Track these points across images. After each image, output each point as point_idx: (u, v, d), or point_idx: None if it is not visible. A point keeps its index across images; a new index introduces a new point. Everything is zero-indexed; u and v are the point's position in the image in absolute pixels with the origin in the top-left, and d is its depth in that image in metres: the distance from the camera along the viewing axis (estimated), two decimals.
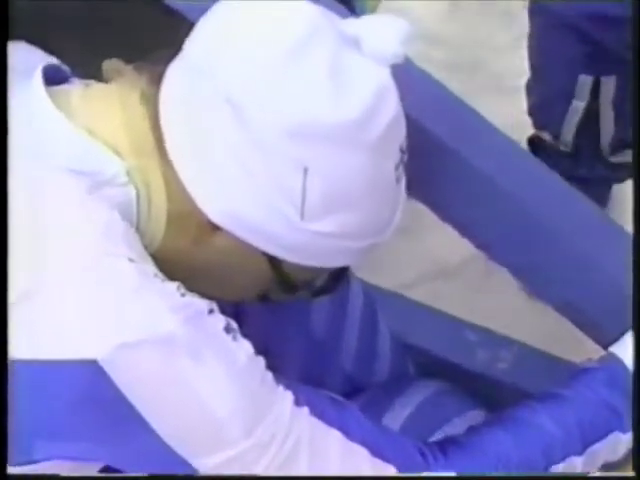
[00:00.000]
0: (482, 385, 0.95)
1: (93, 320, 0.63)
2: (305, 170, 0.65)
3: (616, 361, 0.76)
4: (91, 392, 0.62)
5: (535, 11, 1.24)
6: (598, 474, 0.81)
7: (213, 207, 0.67)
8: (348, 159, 0.66)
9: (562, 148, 1.28)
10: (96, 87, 0.72)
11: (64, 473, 0.68)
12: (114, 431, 0.64)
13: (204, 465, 0.65)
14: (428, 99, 0.73)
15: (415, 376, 0.95)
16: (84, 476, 0.69)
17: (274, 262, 0.71)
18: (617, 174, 1.30)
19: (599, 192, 1.29)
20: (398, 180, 0.71)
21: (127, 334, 0.62)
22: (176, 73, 0.69)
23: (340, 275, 0.78)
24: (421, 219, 1.16)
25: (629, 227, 0.78)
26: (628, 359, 0.76)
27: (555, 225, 0.78)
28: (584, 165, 1.27)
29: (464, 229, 0.80)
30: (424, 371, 0.95)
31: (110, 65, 0.72)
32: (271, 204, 0.67)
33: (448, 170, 0.77)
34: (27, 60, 0.75)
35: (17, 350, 0.63)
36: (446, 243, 1.28)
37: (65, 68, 0.74)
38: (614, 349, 0.77)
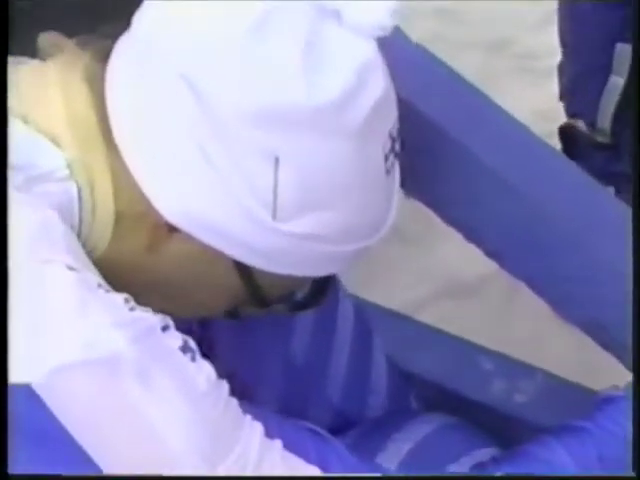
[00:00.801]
0: (497, 421, 0.97)
1: (26, 339, 0.64)
2: (276, 160, 0.67)
3: None
4: (26, 420, 0.64)
5: None
6: (598, 474, 0.82)
7: (168, 204, 0.69)
8: (326, 147, 0.68)
9: (599, 139, 1.29)
10: (28, 67, 0.74)
11: None
12: (53, 465, 0.66)
13: None
14: (426, 80, 0.76)
15: (418, 411, 0.97)
16: (84, 476, 0.70)
17: (243, 270, 0.72)
18: None
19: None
20: (389, 172, 0.72)
21: (65, 354, 0.63)
22: (125, 49, 0.70)
23: (324, 287, 0.80)
24: (432, 226, 1.18)
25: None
26: None
27: (576, 228, 0.80)
28: (624, 158, 1.27)
29: (470, 233, 0.83)
30: (429, 405, 0.97)
31: (48, 39, 0.73)
32: (237, 201, 0.68)
33: (450, 164, 0.80)
34: None
35: None
36: (462, 256, 1.32)
37: None
38: None
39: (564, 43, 1.32)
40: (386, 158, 0.71)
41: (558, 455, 0.77)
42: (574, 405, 0.94)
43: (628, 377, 0.83)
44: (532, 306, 1.21)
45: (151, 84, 0.68)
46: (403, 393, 0.98)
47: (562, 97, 1.34)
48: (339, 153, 0.68)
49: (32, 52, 0.77)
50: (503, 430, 0.93)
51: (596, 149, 1.29)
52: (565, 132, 1.35)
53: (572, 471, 0.77)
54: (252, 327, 0.87)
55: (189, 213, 0.69)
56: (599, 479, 0.81)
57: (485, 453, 0.88)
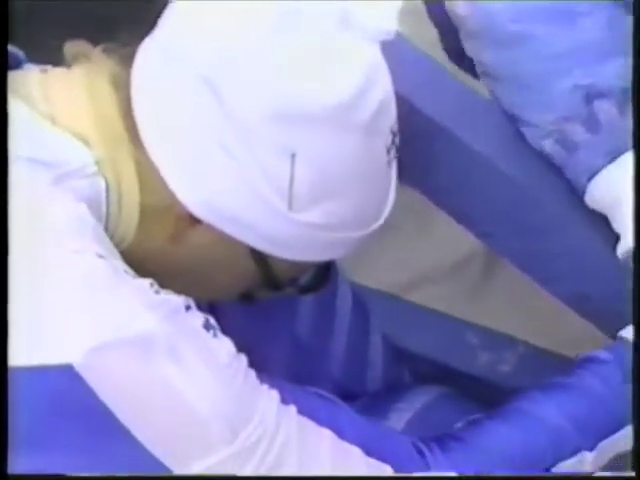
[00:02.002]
0: (484, 389, 0.98)
1: (65, 322, 0.64)
2: (292, 156, 0.67)
3: (628, 345, 0.78)
4: (67, 399, 0.64)
5: None
6: (598, 474, 0.82)
7: (192, 197, 0.69)
8: (338, 143, 0.69)
9: None
10: (56, 72, 0.74)
11: None
12: (92, 440, 0.66)
13: (187, 473, 0.67)
14: (420, 77, 0.76)
15: (412, 383, 0.98)
16: (84, 476, 0.70)
17: (259, 257, 0.73)
18: None
19: None
20: (389, 164, 0.73)
21: (102, 335, 0.63)
22: (148, 53, 0.70)
23: (326, 271, 0.81)
24: (409, 218, 1.18)
25: None
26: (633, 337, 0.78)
27: (560, 209, 0.80)
28: None
29: (462, 217, 0.84)
30: (421, 377, 0.98)
31: (74, 47, 0.73)
32: (256, 193, 0.68)
33: (443, 154, 0.80)
34: None
35: None
36: (439, 245, 1.33)
37: (18, 52, 0.75)
38: (625, 333, 0.79)
39: None
40: (388, 151, 0.72)
41: (547, 409, 0.77)
42: (555, 372, 0.95)
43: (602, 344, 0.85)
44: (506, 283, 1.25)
45: (174, 86, 0.68)
46: (398, 368, 0.99)
47: None
48: (349, 147, 0.69)
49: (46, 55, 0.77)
50: (490, 398, 0.91)
51: None
52: None
53: (561, 424, 0.76)
54: (259, 311, 0.86)
55: (211, 205, 0.69)
56: (599, 479, 0.82)
57: None
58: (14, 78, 0.71)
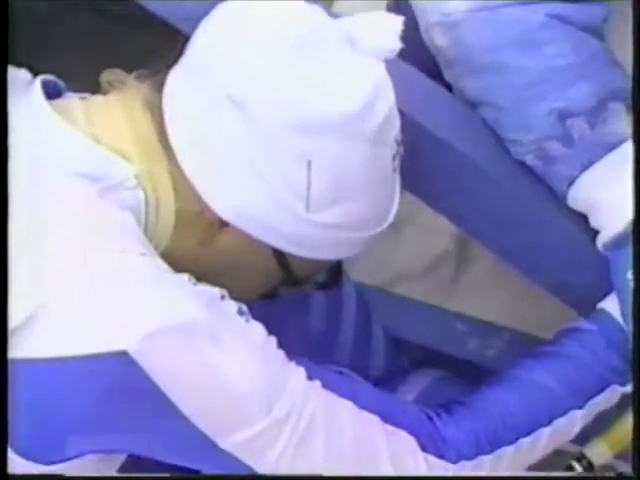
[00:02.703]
0: (474, 372, 1.00)
1: (118, 313, 0.67)
2: (309, 163, 0.71)
3: (610, 320, 0.82)
4: (123, 383, 0.67)
5: None
6: (598, 474, 0.87)
7: (222, 204, 0.73)
8: (350, 150, 0.72)
9: None
10: (94, 99, 0.78)
11: (91, 469, 0.73)
12: (145, 419, 0.69)
13: (228, 444, 0.70)
14: (419, 93, 0.80)
15: (410, 369, 1.01)
16: (85, 476, 0.73)
17: (280, 256, 0.77)
18: None
19: None
20: (395, 171, 0.77)
21: (152, 323, 0.67)
22: (177, 77, 0.74)
23: (339, 270, 0.85)
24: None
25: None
26: (615, 309, 0.82)
27: (543, 207, 0.85)
28: None
29: (456, 217, 0.88)
30: (419, 363, 1.01)
31: (111, 75, 0.78)
32: (277, 198, 0.72)
33: (440, 162, 0.84)
34: (13, 76, 0.79)
35: (45, 350, 0.67)
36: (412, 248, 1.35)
37: (58, 82, 0.79)
38: (605, 305, 0.83)
39: None
40: (393, 159, 0.77)
41: (539, 374, 0.81)
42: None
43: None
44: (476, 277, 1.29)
45: (204, 106, 0.72)
46: (397, 355, 1.02)
47: None
48: (359, 154, 0.73)
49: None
50: (480, 379, 0.93)
51: None
52: None
53: (553, 387, 0.80)
54: (276, 307, 0.89)
55: (238, 210, 0.73)
56: (599, 479, 0.85)
57: None
58: (58, 105, 0.75)
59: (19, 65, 0.82)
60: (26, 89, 0.77)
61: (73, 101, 0.77)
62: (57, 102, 0.76)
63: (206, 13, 0.76)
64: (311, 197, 0.72)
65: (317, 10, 0.74)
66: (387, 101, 0.73)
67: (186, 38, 0.76)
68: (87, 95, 0.78)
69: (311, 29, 0.72)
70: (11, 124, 0.74)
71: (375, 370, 1.00)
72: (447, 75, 0.85)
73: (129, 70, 0.78)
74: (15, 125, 0.74)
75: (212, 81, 0.72)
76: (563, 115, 0.79)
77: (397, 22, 0.73)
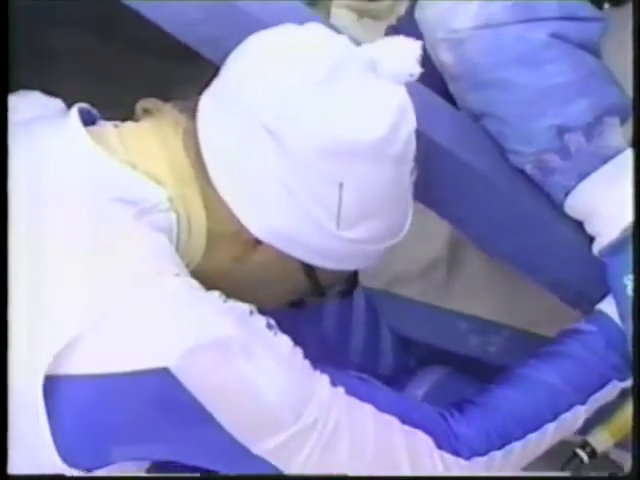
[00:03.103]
0: (477, 368, 1.03)
1: (158, 333, 0.69)
2: (340, 185, 0.74)
3: (609, 321, 0.85)
4: (164, 397, 0.69)
5: None
6: (598, 475, 0.90)
7: (258, 225, 0.75)
8: (378, 171, 0.75)
9: None
10: (127, 126, 0.79)
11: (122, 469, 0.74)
12: (184, 429, 0.71)
13: (260, 450, 0.72)
14: (424, 107, 0.80)
15: (417, 366, 1.03)
16: (85, 476, 0.73)
17: (308, 269, 0.79)
18: None
19: None
20: (411, 185, 0.80)
21: (189, 341, 0.69)
22: (210, 105, 0.76)
23: (356, 278, 0.88)
24: None
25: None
26: (615, 315, 0.85)
27: (541, 214, 0.87)
28: None
29: (460, 224, 0.90)
30: (424, 361, 1.03)
31: (147, 103, 0.79)
32: (310, 217, 0.75)
33: (445, 171, 0.86)
34: (47, 105, 0.82)
35: (93, 367, 0.69)
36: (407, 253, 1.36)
37: (93, 110, 0.81)
38: (603, 307, 0.86)
39: None
40: (411, 174, 0.79)
41: (545, 373, 0.84)
42: (535, 349, 0.98)
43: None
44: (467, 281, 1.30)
45: (238, 133, 0.74)
46: (404, 354, 1.04)
47: None
48: (385, 175, 0.76)
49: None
50: (482, 374, 0.96)
51: None
52: None
53: (557, 385, 0.82)
54: (294, 314, 0.90)
55: (274, 229, 0.75)
56: (599, 479, 0.87)
57: None
58: (93, 132, 0.77)
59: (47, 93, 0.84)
60: (59, 117, 0.79)
61: (107, 128, 0.79)
62: (92, 129, 0.78)
63: (203, 18, 0.79)
64: (341, 216, 0.75)
65: (343, 39, 0.76)
66: (409, 123, 0.76)
67: (213, 67, 0.78)
68: (119, 123, 0.80)
69: (338, 58, 0.74)
70: (42, 149, 0.76)
71: (384, 369, 1.02)
72: (452, 88, 0.87)
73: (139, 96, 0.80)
74: (47, 150, 0.76)
75: (246, 110, 0.74)
76: (561, 130, 0.82)
77: (416, 47, 0.75)
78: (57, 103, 0.82)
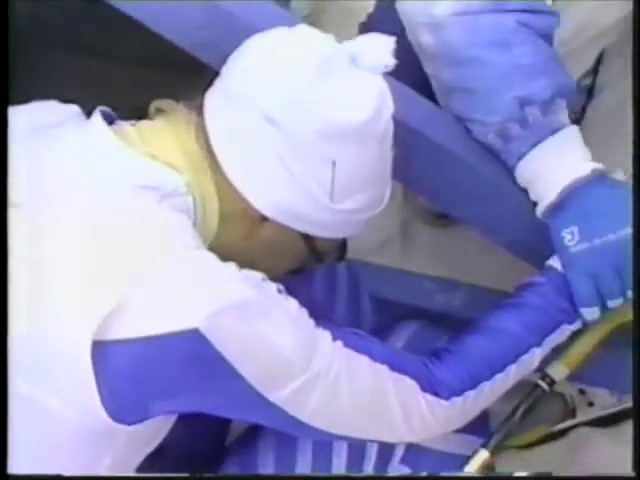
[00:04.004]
0: (445, 320, 1.05)
1: (186, 298, 0.70)
2: (333, 163, 0.75)
3: (556, 272, 0.87)
4: (195, 354, 0.70)
5: None
6: (598, 474, 0.91)
7: (263, 202, 0.77)
8: (365, 150, 0.77)
9: None
10: (143, 124, 0.80)
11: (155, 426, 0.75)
12: (212, 382, 0.72)
13: (276, 398, 0.74)
14: (398, 97, 0.82)
15: (394, 322, 1.02)
16: (85, 476, 0.75)
17: (309, 240, 0.81)
18: None
19: None
20: (391, 161, 0.81)
21: (215, 304, 0.70)
22: (216, 102, 0.77)
23: (344, 246, 0.89)
24: None
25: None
26: (561, 267, 0.87)
27: (499, 184, 0.90)
28: None
29: (432, 196, 0.93)
30: (399, 317, 1.03)
31: (162, 103, 0.80)
32: (307, 192, 0.76)
33: (416, 150, 0.88)
34: (63, 110, 0.82)
35: (133, 331, 0.70)
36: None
37: (112, 112, 0.81)
38: (551, 262, 0.88)
39: None
40: (391, 150, 0.81)
41: (507, 322, 0.86)
42: (493, 301, 0.98)
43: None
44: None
45: (242, 123, 0.76)
46: (382, 313, 1.05)
47: None
48: (371, 152, 0.77)
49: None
50: (450, 325, 0.98)
51: None
52: None
53: (517, 331, 0.84)
54: (288, 282, 0.89)
55: (277, 206, 0.77)
56: (599, 479, 0.87)
57: None
58: (115, 129, 0.78)
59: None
60: (77, 120, 0.80)
61: (126, 126, 0.79)
62: (113, 127, 0.78)
63: (200, 24, 0.78)
64: (334, 190, 0.76)
65: (329, 37, 0.78)
66: (388, 106, 0.78)
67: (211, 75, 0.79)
68: (134, 122, 0.80)
69: (325, 55, 0.76)
70: (68, 148, 0.77)
71: (365, 328, 1.00)
72: (429, 68, 0.90)
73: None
74: (73, 147, 0.77)
75: (248, 103, 0.75)
76: (523, 102, 0.85)
77: (390, 42, 0.77)
78: (73, 108, 0.83)
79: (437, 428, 0.83)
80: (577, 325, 0.88)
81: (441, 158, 0.88)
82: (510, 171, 0.89)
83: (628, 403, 1.21)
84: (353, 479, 0.81)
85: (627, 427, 1.20)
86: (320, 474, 0.87)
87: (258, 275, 0.74)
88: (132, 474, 0.79)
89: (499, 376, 0.85)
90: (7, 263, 0.71)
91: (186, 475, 0.81)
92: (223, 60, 0.79)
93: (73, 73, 1.09)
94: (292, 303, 0.76)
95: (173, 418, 0.79)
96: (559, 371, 0.92)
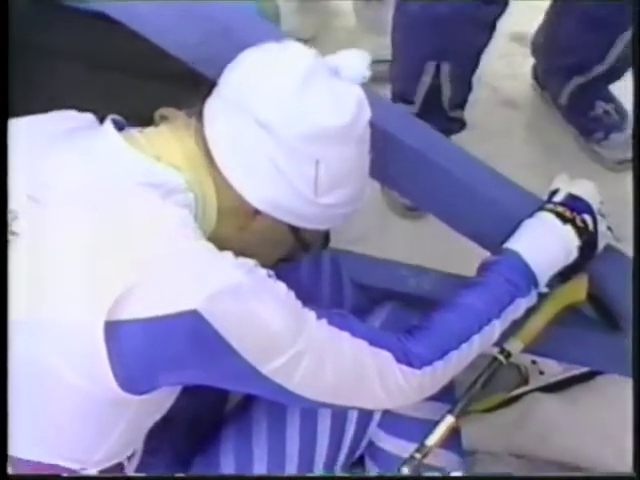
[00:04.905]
0: (417, 301, 1.03)
1: (186, 283, 0.70)
2: (317, 162, 0.75)
3: (510, 252, 0.87)
4: (195, 332, 0.70)
5: (399, 9, 1.31)
6: (598, 474, 0.90)
7: (255, 197, 0.77)
8: (345, 150, 0.77)
9: (413, 110, 1.36)
10: (149, 130, 0.80)
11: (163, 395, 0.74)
12: (210, 357, 0.72)
13: (267, 370, 0.73)
14: (374, 104, 0.82)
15: (371, 304, 1.01)
16: (85, 476, 0.75)
17: (296, 231, 0.80)
18: (453, 125, 1.39)
19: None
20: (368, 161, 0.81)
21: (212, 287, 0.70)
22: (214, 108, 0.77)
23: (327, 236, 0.89)
24: None
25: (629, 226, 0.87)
26: (515, 247, 0.87)
27: (468, 181, 0.90)
28: (430, 120, 1.29)
29: (406, 193, 0.94)
30: (376, 299, 1.02)
31: (166, 111, 0.80)
32: (295, 188, 0.76)
33: (392, 152, 0.88)
34: (81, 118, 0.83)
35: (141, 312, 0.69)
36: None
37: (122, 120, 0.81)
38: (506, 245, 0.88)
39: (395, 56, 1.36)
40: (369, 152, 0.81)
41: (470, 299, 0.85)
42: (456, 284, 0.98)
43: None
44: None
45: (237, 127, 0.76)
46: (361, 296, 1.04)
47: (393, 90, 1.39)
48: (351, 153, 0.78)
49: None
50: (422, 305, 0.96)
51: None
52: None
53: (479, 306, 0.83)
54: (278, 270, 0.89)
55: (268, 200, 0.77)
56: (599, 479, 0.85)
57: None
58: (125, 135, 0.78)
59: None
60: (93, 127, 0.80)
61: (134, 133, 0.79)
62: (123, 133, 0.78)
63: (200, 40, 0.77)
64: (318, 186, 0.76)
65: (312, 51, 0.78)
66: (366, 112, 0.78)
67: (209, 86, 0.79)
68: (141, 128, 0.80)
69: (310, 67, 0.76)
70: (85, 150, 0.77)
71: (347, 307, 1.02)
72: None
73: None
74: (89, 150, 0.77)
75: (242, 109, 0.75)
76: None
77: (367, 56, 0.78)
78: (89, 117, 0.83)
79: (411, 395, 0.84)
80: (531, 300, 0.87)
81: (413, 159, 0.89)
82: (476, 170, 0.89)
83: (574, 371, 1.23)
84: (353, 479, 0.81)
85: (572, 392, 1.24)
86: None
87: (251, 262, 0.74)
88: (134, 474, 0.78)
89: (464, 345, 0.85)
90: (7, 259, 0.70)
91: (186, 475, 0.80)
92: (220, 72, 0.79)
93: (94, 87, 1.07)
94: (281, 286, 0.75)
95: (178, 389, 0.80)
96: (515, 346, 0.92)
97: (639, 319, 0.82)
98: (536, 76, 1.46)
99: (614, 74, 1.37)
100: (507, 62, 1.44)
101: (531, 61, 1.48)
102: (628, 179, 1.32)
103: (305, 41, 0.79)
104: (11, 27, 0.78)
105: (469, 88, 1.35)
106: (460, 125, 1.40)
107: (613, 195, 1.15)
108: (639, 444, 0.76)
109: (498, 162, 1.44)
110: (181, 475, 0.80)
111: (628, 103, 1.31)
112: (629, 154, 1.39)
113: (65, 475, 0.73)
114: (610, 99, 1.43)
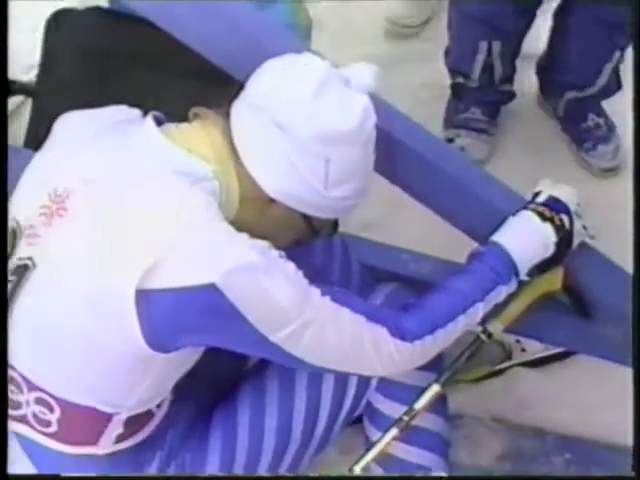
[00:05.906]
0: (416, 283, 1.02)
1: (206, 259, 0.71)
2: (327, 160, 0.76)
3: (495, 244, 0.86)
4: (212, 303, 0.71)
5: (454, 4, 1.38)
6: (598, 474, 0.88)
7: (272, 187, 0.77)
8: (352, 151, 0.77)
9: (471, 84, 1.42)
10: (184, 125, 0.81)
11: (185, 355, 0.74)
12: (225, 325, 0.73)
13: (276, 338, 0.74)
14: (380, 109, 0.81)
15: (375, 285, 1.00)
16: (84, 476, 0.75)
17: (307, 219, 0.81)
18: (504, 97, 1.44)
19: (494, 111, 1.45)
20: (373, 159, 0.81)
21: (229, 264, 0.70)
22: (241, 110, 0.78)
23: (336, 224, 0.89)
24: None
25: (629, 227, 0.84)
26: (500, 240, 0.86)
27: (463, 180, 0.89)
28: (484, 92, 1.42)
29: (407, 189, 0.91)
30: (379, 280, 1.01)
31: (198, 110, 0.80)
32: (307, 182, 0.77)
33: (393, 152, 0.86)
34: (130, 112, 0.83)
35: (166, 282, 0.70)
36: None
37: (161, 116, 0.82)
38: (492, 237, 0.87)
39: (452, 38, 1.41)
40: (373, 152, 0.81)
41: (458, 284, 0.84)
42: (450, 270, 0.97)
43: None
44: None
45: (258, 127, 0.76)
46: (366, 276, 1.04)
47: (449, 66, 1.43)
48: (358, 152, 0.78)
49: None
50: (419, 287, 0.95)
51: (470, 89, 1.41)
52: (453, 86, 1.44)
53: (466, 290, 0.83)
54: (293, 253, 0.87)
55: (283, 191, 0.77)
56: (599, 479, 0.83)
57: None
58: (162, 129, 0.78)
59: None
60: (137, 121, 0.81)
61: (171, 127, 0.80)
62: (162, 128, 0.79)
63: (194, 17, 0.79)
64: (328, 181, 0.77)
65: (326, 63, 0.78)
66: (372, 117, 0.78)
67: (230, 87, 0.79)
68: (177, 124, 0.81)
69: (324, 77, 0.76)
70: (130, 141, 0.77)
71: (354, 288, 1.02)
72: None
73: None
74: (133, 141, 0.77)
75: (263, 112, 0.76)
76: None
77: (374, 69, 0.78)
78: (136, 112, 0.84)
79: (403, 365, 0.83)
80: (511, 287, 0.87)
81: (414, 159, 0.88)
82: (470, 171, 0.87)
83: (553, 350, 1.21)
84: (353, 479, 0.80)
85: (550, 367, 1.22)
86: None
87: (265, 243, 0.74)
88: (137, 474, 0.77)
89: (451, 324, 0.84)
90: (6, 253, 0.72)
91: (186, 475, 0.80)
92: (248, 77, 0.79)
93: (146, 87, 1.07)
94: (290, 265, 0.76)
95: (201, 350, 0.80)
96: (496, 327, 0.92)
97: (639, 319, 0.78)
98: (541, 90, 1.50)
99: (604, 94, 1.41)
100: (517, 79, 1.47)
101: (535, 78, 1.51)
102: (611, 185, 1.41)
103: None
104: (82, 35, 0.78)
105: (514, 67, 1.40)
106: (510, 96, 1.45)
107: (597, 198, 1.18)
108: (639, 444, 0.71)
109: (498, 163, 1.45)
110: (181, 475, 0.81)
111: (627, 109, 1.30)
112: (614, 164, 1.42)
113: (66, 475, 0.75)
114: (601, 114, 1.45)
